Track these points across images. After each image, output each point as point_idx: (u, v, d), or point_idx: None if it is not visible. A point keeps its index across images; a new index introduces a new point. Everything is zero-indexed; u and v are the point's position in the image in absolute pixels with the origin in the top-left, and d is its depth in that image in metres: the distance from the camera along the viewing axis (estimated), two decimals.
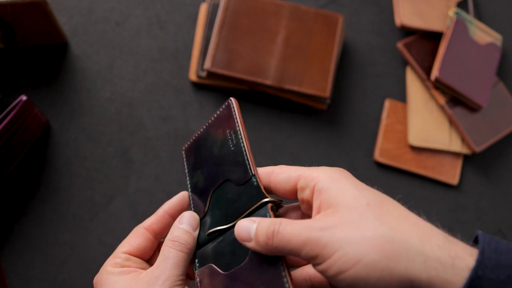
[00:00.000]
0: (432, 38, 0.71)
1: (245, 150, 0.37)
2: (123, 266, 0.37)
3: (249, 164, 0.36)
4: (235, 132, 0.38)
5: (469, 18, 0.70)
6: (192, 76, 0.66)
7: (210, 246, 0.37)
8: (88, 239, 0.59)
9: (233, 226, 0.35)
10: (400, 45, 0.70)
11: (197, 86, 0.67)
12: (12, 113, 0.53)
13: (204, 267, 0.37)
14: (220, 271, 0.35)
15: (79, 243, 0.59)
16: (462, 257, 0.28)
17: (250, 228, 0.33)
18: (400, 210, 0.31)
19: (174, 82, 0.66)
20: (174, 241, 0.37)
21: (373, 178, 0.65)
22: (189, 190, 0.41)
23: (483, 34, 0.70)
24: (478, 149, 0.67)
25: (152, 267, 0.36)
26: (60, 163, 0.61)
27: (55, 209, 0.59)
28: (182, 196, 0.41)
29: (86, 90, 0.65)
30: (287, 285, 0.31)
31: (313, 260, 0.30)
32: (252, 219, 0.33)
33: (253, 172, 0.36)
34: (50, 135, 0.62)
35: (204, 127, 0.41)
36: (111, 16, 0.68)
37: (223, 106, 0.40)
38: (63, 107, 0.63)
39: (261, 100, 0.67)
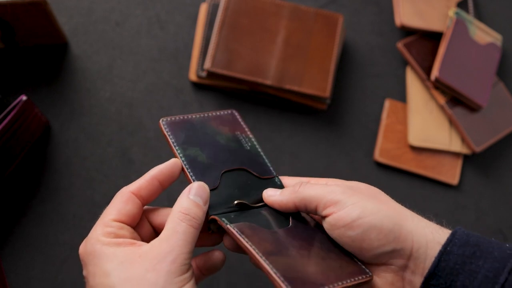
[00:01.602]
0: (432, 38, 0.71)
1: (264, 155, 0.42)
2: (118, 236, 0.34)
3: (271, 167, 0.42)
4: (248, 138, 0.43)
5: (469, 18, 0.70)
6: (192, 76, 0.66)
7: (235, 214, 0.37)
8: None
9: (262, 206, 0.39)
10: (400, 45, 0.70)
11: (197, 86, 0.67)
12: (12, 113, 0.53)
13: (241, 223, 0.35)
14: (263, 228, 0.36)
15: (79, 243, 0.58)
16: (446, 232, 0.35)
17: (277, 190, 0.38)
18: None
19: (174, 82, 0.66)
20: (186, 214, 0.34)
21: (373, 178, 0.65)
22: (184, 160, 0.39)
23: (483, 34, 0.70)
24: (478, 149, 0.67)
25: (159, 240, 0.33)
26: (60, 163, 0.61)
27: (55, 209, 0.59)
28: (174, 163, 0.38)
29: (86, 90, 0.65)
30: (335, 243, 0.36)
31: (333, 206, 0.34)
32: (280, 189, 0.39)
33: (276, 174, 0.41)
34: (50, 135, 0.62)
35: (199, 115, 0.43)
36: (111, 16, 0.68)
37: (225, 112, 0.44)
38: (63, 107, 0.63)
39: (261, 100, 0.67)
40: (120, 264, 0.31)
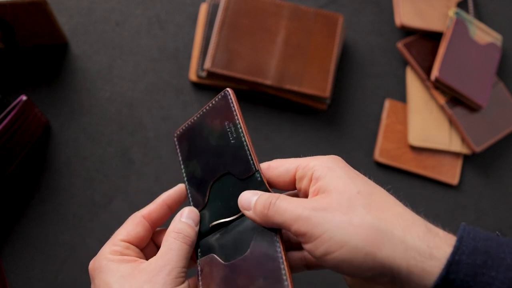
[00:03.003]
0: (432, 38, 0.71)
1: (246, 145, 0.37)
2: (123, 254, 0.37)
3: (252, 160, 0.37)
4: (235, 125, 0.38)
5: (469, 18, 0.70)
6: (192, 76, 0.66)
7: (213, 237, 0.38)
8: (88, 239, 0.59)
9: (237, 218, 0.37)
10: (400, 45, 0.70)
11: (197, 86, 0.67)
12: (12, 113, 0.53)
13: (206, 256, 0.37)
14: (221, 261, 0.36)
15: (79, 243, 0.59)
16: (440, 247, 0.30)
17: (251, 199, 0.35)
18: (387, 200, 0.33)
19: (174, 82, 0.66)
20: (179, 233, 0.37)
21: (373, 178, 0.65)
22: (186, 180, 0.41)
23: (483, 34, 0.70)
24: (478, 149, 0.67)
25: (156, 257, 0.36)
26: (60, 163, 0.61)
27: (55, 209, 0.59)
28: (180, 188, 0.42)
29: (86, 90, 0.65)
30: (284, 278, 0.32)
31: (302, 237, 0.32)
32: (254, 192, 0.36)
33: (256, 168, 0.37)
34: (50, 135, 0.62)
35: (198, 115, 0.41)
36: (111, 16, 0.68)
37: (219, 96, 0.40)
38: (63, 107, 0.63)
39: (261, 100, 0.67)
40: (121, 278, 0.35)
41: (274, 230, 0.35)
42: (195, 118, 0.41)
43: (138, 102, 0.65)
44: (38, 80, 0.64)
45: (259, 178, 0.36)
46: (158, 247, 0.41)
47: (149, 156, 0.63)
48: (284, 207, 0.33)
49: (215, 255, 0.36)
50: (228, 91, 0.39)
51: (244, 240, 0.35)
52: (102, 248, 0.38)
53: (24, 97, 0.54)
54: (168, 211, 0.41)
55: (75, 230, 0.59)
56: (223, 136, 0.39)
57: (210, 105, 0.40)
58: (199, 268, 0.37)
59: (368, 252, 0.30)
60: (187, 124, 0.42)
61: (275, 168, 0.37)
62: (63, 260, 0.58)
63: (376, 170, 0.66)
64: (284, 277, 0.32)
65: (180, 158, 0.42)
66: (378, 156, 0.66)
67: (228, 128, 0.39)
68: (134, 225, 0.39)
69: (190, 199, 0.40)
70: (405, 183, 0.66)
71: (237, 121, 0.38)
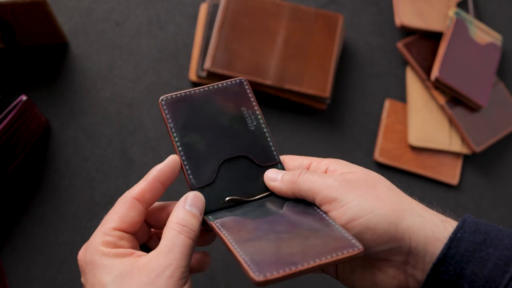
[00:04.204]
0: (432, 38, 0.71)
1: (269, 136, 0.39)
2: (117, 246, 0.33)
3: (275, 151, 0.39)
4: (254, 114, 0.40)
5: (469, 18, 0.70)
6: (192, 76, 0.66)
7: (228, 210, 0.36)
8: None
9: (257, 199, 0.37)
10: (400, 45, 0.70)
11: (197, 86, 0.66)
12: (12, 113, 0.53)
13: (227, 217, 0.35)
14: (248, 219, 0.34)
15: (79, 243, 0.58)
16: (451, 222, 0.34)
17: (279, 174, 0.37)
18: (401, 191, 0.37)
19: (174, 82, 0.66)
20: (183, 225, 0.33)
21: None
22: (180, 151, 0.38)
23: (483, 34, 0.70)
24: (478, 149, 0.67)
25: (157, 253, 0.32)
26: (60, 163, 0.61)
27: (55, 209, 0.59)
28: (173, 161, 0.37)
29: (86, 90, 0.65)
30: (330, 220, 0.34)
31: (329, 204, 0.34)
32: (281, 171, 0.38)
33: (279, 160, 0.39)
34: (50, 135, 0.62)
35: (202, 89, 0.39)
36: (111, 16, 0.68)
37: (233, 81, 0.40)
38: (63, 107, 0.63)
39: (261, 100, 0.67)
40: (118, 277, 0.31)
41: (307, 202, 0.36)
42: (198, 89, 0.40)
43: (138, 102, 0.65)
44: (38, 80, 0.64)
45: (280, 169, 0.38)
46: (150, 227, 0.38)
47: (149, 156, 0.63)
48: (314, 178, 0.35)
49: (238, 216, 0.35)
50: (244, 79, 0.40)
51: (274, 207, 0.36)
52: (93, 236, 0.34)
53: (24, 97, 0.54)
54: (161, 188, 0.36)
55: (75, 230, 0.59)
56: (239, 120, 0.39)
57: (220, 85, 0.40)
58: (217, 225, 0.34)
59: (392, 222, 0.33)
60: (185, 93, 0.39)
61: (290, 161, 0.39)
62: (63, 260, 0.58)
63: (376, 170, 0.65)
64: (330, 220, 0.34)
65: (172, 126, 0.38)
66: (378, 156, 0.66)
67: (247, 114, 0.40)
68: (126, 209, 0.35)
69: (189, 172, 0.37)
70: (405, 183, 0.66)
71: (257, 111, 0.40)
